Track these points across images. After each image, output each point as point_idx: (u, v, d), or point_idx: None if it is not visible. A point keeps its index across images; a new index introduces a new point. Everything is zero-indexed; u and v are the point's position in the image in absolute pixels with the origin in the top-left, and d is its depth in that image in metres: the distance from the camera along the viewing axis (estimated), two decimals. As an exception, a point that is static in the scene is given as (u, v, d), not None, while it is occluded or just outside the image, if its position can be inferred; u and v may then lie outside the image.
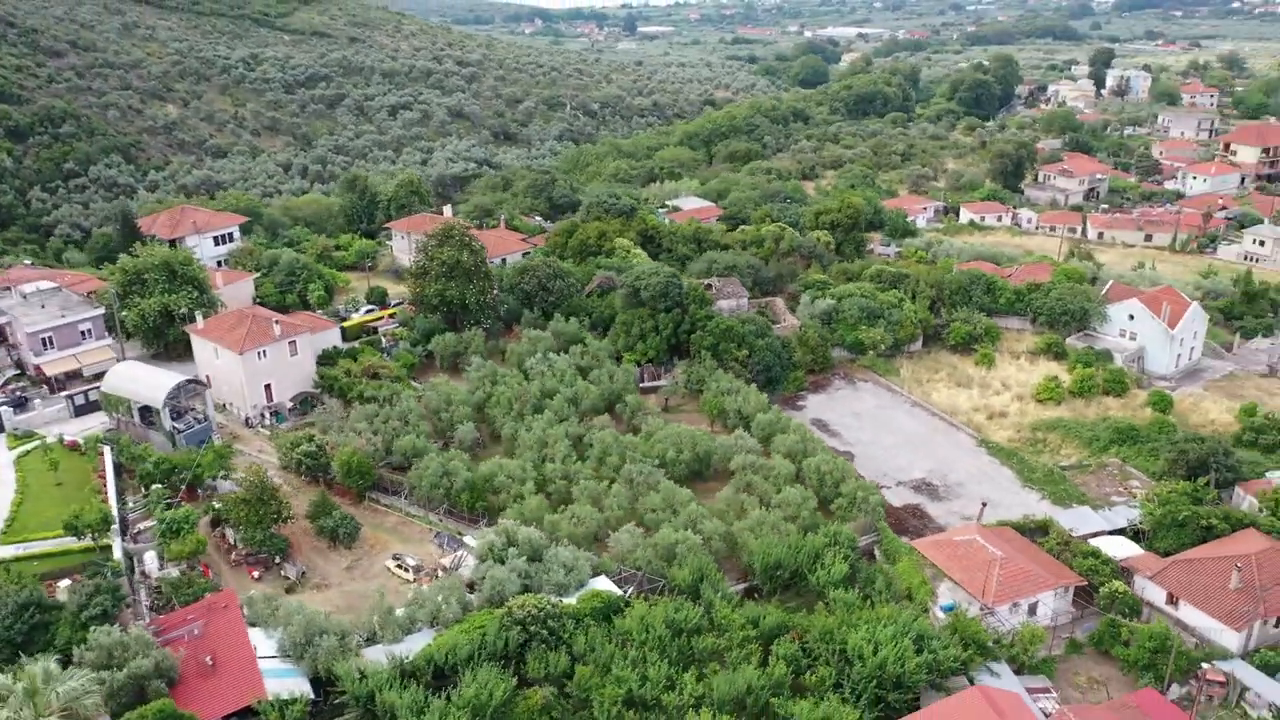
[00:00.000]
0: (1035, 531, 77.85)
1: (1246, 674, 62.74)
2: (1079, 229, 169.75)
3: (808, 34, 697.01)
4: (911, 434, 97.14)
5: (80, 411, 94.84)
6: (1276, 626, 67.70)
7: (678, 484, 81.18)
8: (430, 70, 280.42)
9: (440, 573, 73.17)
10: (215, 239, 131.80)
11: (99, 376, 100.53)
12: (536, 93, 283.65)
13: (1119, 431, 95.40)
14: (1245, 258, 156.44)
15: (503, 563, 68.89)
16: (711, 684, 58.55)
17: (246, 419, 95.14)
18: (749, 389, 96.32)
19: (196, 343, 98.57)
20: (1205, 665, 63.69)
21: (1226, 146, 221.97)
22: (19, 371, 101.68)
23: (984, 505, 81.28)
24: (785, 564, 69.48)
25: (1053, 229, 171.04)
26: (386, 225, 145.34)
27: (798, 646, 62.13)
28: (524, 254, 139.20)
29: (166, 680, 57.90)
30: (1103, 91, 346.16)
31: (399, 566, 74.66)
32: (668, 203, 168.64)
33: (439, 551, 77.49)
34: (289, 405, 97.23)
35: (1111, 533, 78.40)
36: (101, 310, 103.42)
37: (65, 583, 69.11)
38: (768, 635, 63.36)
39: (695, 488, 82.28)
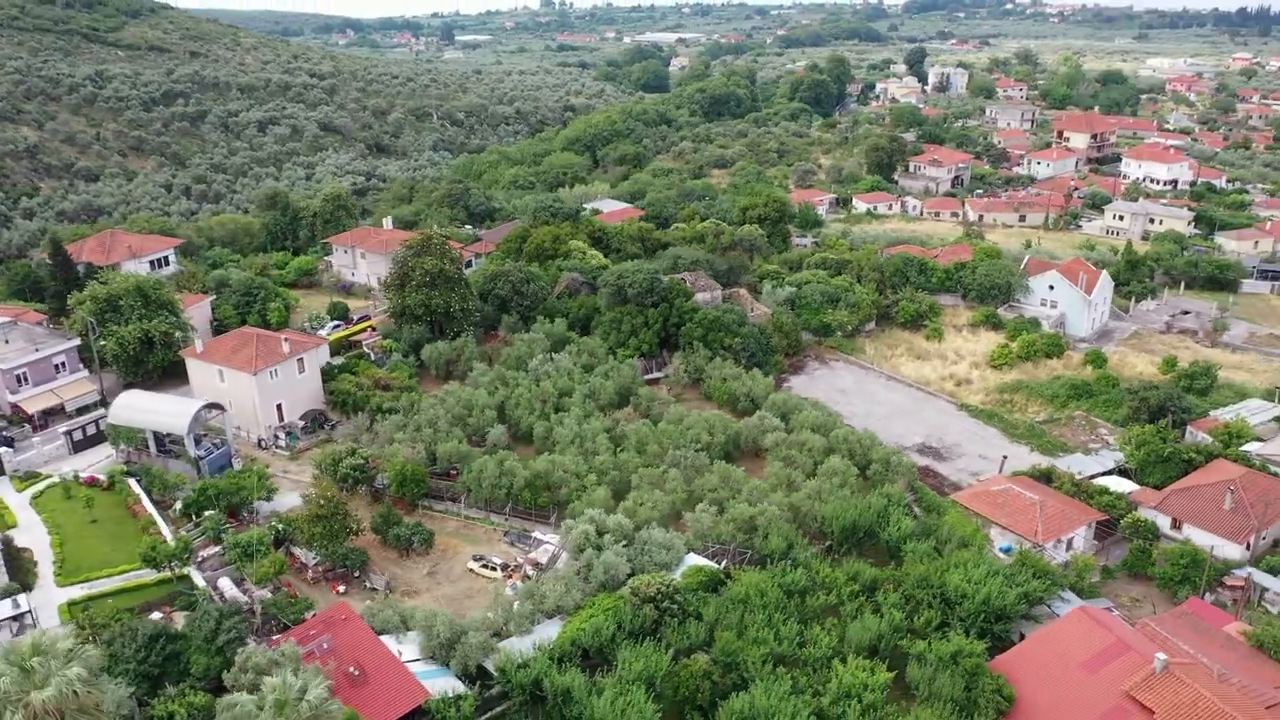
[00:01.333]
0: (1041, 479, 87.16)
1: (1262, 578, 73.39)
2: (960, 214, 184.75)
3: (626, 40, 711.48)
4: (897, 405, 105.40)
5: (79, 447, 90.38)
6: (1264, 539, 79.12)
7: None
8: (287, 84, 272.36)
9: (530, 568, 75.12)
10: (151, 263, 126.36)
11: (83, 411, 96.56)
12: (401, 103, 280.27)
13: (1074, 388, 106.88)
14: (1108, 231, 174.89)
15: (599, 550, 71.79)
16: (844, 633, 63.89)
17: (259, 440, 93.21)
18: (755, 373, 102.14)
19: (195, 367, 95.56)
20: (1227, 575, 73.99)
21: (1060, 134, 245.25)
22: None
23: (1005, 458, 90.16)
24: (860, 524, 75.53)
25: (937, 214, 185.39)
26: (324, 241, 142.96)
27: (900, 594, 68.22)
28: (468, 262, 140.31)
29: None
30: (926, 88, 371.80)
31: (484, 566, 76.09)
32: (586, 206, 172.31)
33: (514, 549, 79.28)
34: (300, 424, 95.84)
35: (1105, 473, 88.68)
36: (76, 341, 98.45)
37: (156, 615, 67.33)
38: (868, 588, 69.21)
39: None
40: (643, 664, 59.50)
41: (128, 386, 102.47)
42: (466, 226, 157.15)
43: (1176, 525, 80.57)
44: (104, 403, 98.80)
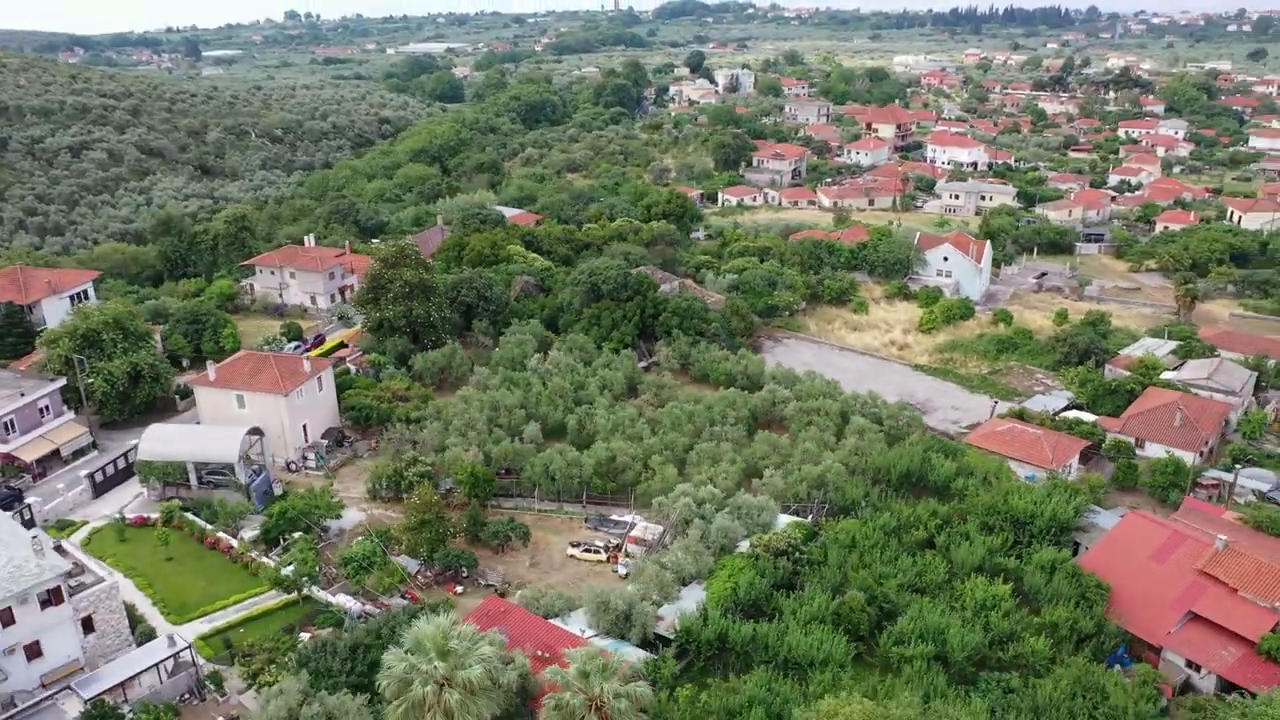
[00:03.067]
0: (1017, 419, 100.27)
1: (1228, 475, 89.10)
2: (815, 201, 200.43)
3: (390, 51, 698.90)
4: (860, 370, 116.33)
5: (100, 491, 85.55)
6: (1208, 445, 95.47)
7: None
8: (84, 106, 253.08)
9: (632, 545, 79.33)
10: (72, 298, 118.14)
11: (79, 454, 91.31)
12: (216, 122, 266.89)
13: (999, 342, 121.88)
14: (946, 209, 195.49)
15: (705, 519, 77.43)
16: (953, 558, 73.00)
17: (289, 464, 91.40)
18: (744, 353, 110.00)
19: (207, 395, 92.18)
20: (1200, 477, 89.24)
21: (869, 125, 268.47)
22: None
23: (995, 403, 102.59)
24: (912, 470, 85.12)
25: (795, 203, 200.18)
26: (243, 264, 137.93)
27: (976, 522, 78.17)
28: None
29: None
30: (718, 89, 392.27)
31: (586, 551, 79.63)
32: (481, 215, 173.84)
33: (598, 533, 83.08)
34: (325, 443, 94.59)
35: (1066, 409, 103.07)
36: (61, 382, 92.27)
37: (304, 635, 66.88)
38: (944, 521, 78.77)
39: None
40: (816, 603, 66.12)
41: (106, 426, 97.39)
42: (375, 241, 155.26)
43: (1139, 444, 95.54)
44: (94, 445, 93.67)
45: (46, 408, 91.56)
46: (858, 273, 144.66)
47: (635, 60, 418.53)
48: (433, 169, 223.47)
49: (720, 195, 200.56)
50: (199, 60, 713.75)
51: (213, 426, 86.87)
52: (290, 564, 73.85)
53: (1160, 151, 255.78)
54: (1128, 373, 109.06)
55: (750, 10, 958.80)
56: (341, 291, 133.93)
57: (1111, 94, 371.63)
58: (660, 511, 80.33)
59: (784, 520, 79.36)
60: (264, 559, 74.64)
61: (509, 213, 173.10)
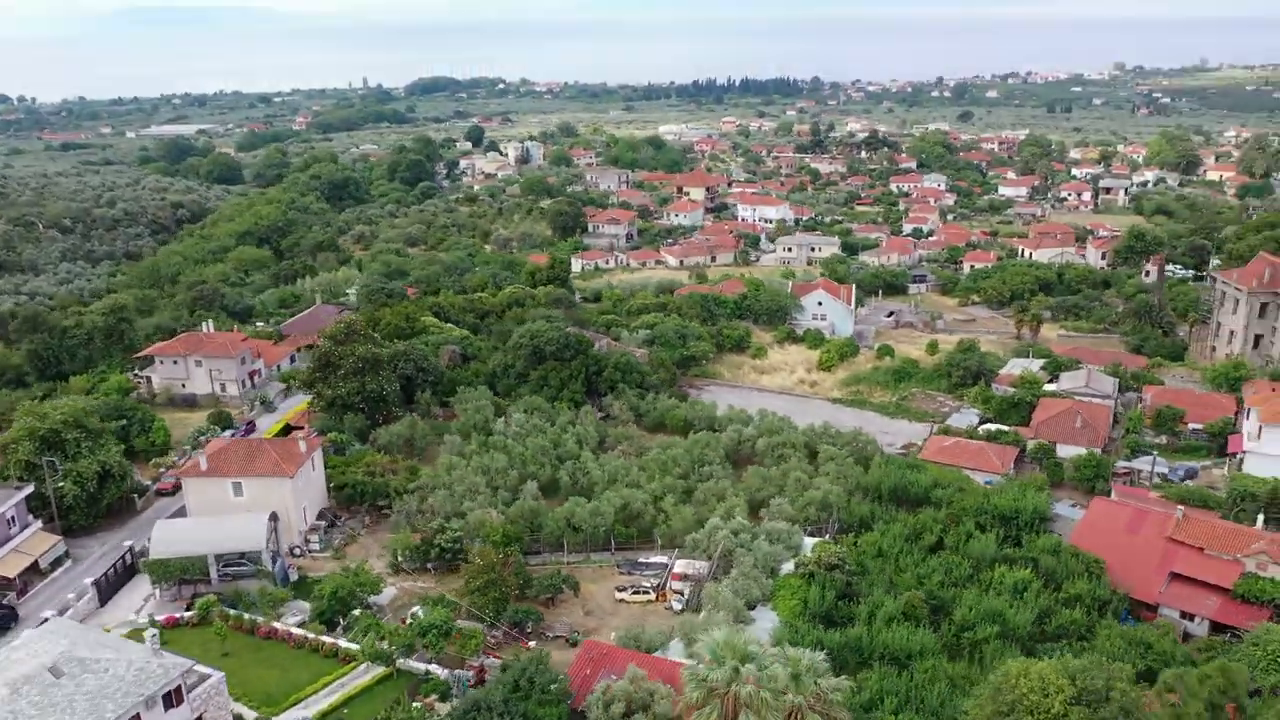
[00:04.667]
0: (944, 434, 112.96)
1: (1135, 463, 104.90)
2: (660, 261, 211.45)
3: (130, 134, 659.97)
4: (786, 408, 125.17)
5: (105, 599, 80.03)
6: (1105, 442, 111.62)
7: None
8: None
9: (676, 582, 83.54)
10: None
11: (57, 564, 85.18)
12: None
13: (895, 373, 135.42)
14: (782, 261, 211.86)
15: (746, 549, 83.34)
16: (969, 553, 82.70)
17: (293, 548, 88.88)
18: (694, 399, 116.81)
19: (197, 487, 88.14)
20: (1113, 467, 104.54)
21: (680, 189, 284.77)
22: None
23: (933, 427, 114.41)
24: (899, 485, 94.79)
25: (643, 264, 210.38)
26: (137, 355, 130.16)
27: (972, 522, 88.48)
28: (291, 357, 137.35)
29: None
30: (511, 161, 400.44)
31: (635, 593, 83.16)
32: (350, 293, 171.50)
33: (631, 577, 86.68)
34: (322, 524, 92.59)
35: (982, 423, 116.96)
36: (29, 489, 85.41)
37: (415, 704, 66.82)
38: (944, 525, 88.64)
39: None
40: (891, 604, 73.55)
41: (67, 533, 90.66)
42: (259, 323, 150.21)
43: (1052, 445, 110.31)
44: (67, 554, 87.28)
45: (13, 518, 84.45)
46: (741, 321, 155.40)
47: (425, 135, 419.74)
48: (264, 251, 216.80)
49: (572, 260, 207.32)
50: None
51: (219, 520, 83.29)
52: (355, 640, 73.25)
53: (932, 201, 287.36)
54: (1012, 389, 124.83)
55: (502, 85, 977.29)
56: (251, 376, 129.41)
57: (864, 153, 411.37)
58: (698, 548, 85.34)
59: (809, 541, 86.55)
60: (339, 640, 73.13)
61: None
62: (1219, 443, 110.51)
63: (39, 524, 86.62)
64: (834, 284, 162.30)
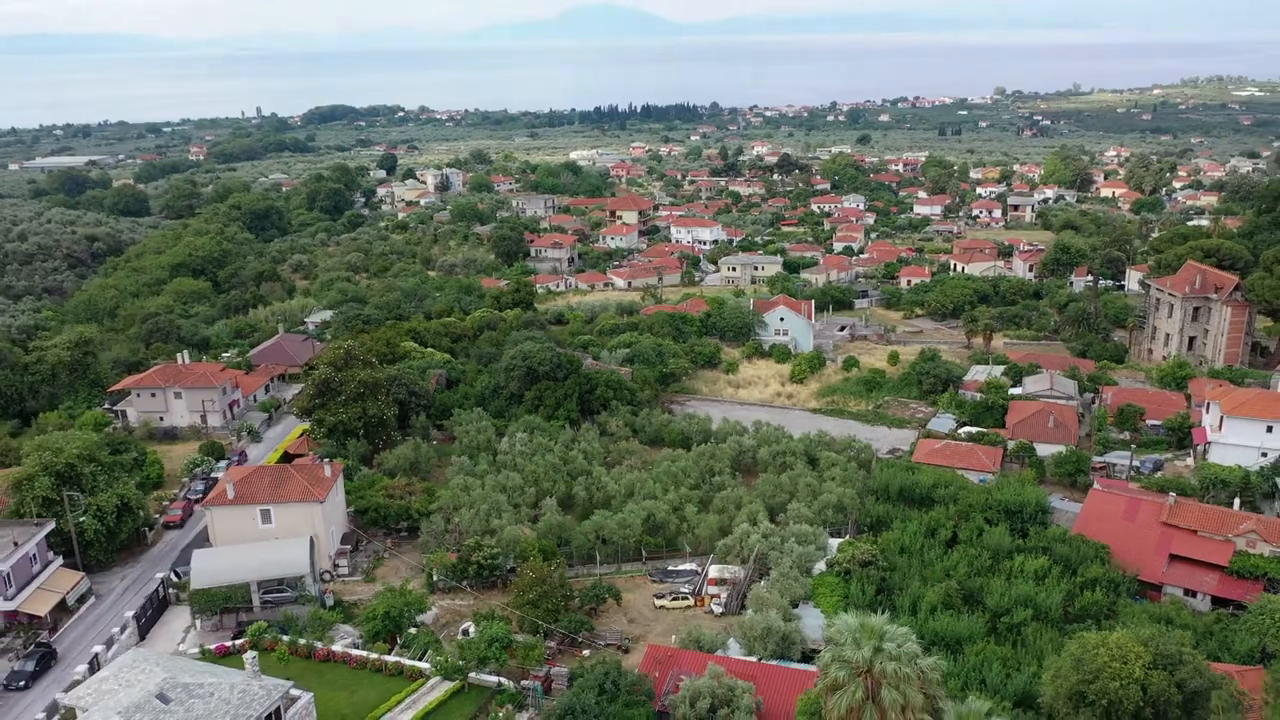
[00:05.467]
0: (928, 438, 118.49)
1: (1109, 458, 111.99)
2: (609, 284, 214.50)
3: (13, 166, 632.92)
4: (770, 420, 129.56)
5: (144, 632, 78.54)
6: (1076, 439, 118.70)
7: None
8: None
9: (714, 587, 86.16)
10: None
11: (82, 600, 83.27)
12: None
13: (865, 383, 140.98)
14: (727, 281, 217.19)
15: (779, 552, 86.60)
16: (986, 545, 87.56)
17: (323, 573, 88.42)
18: (690, 414, 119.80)
19: (224, 516, 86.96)
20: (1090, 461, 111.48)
21: (613, 213, 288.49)
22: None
23: (920, 431, 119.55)
24: (906, 484, 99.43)
25: (592, 286, 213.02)
26: (111, 390, 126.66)
27: (980, 516, 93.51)
28: (266, 387, 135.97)
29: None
30: (431, 188, 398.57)
31: (674, 599, 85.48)
32: (309, 321, 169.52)
33: (665, 583, 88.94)
34: (347, 548, 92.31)
35: (960, 425, 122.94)
36: (50, 526, 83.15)
37: (500, 714, 67.95)
38: (955, 520, 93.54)
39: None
40: (931, 595, 77.63)
41: (85, 569, 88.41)
42: (225, 355, 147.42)
43: (1031, 444, 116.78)
44: (90, 590, 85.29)
45: (35, 556, 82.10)
46: (709, 338, 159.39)
47: (342, 164, 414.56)
48: (201, 282, 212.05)
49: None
50: None
51: (271, 542, 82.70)
52: (413, 657, 73.93)
53: (855, 221, 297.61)
54: (980, 394, 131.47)
55: (401, 113, 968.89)
56: (231, 407, 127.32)
57: (776, 176, 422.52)
58: (730, 552, 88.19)
59: (833, 542, 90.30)
60: (404, 658, 73.49)
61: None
62: (1177, 436, 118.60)
63: (59, 561, 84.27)
64: (794, 300, 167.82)
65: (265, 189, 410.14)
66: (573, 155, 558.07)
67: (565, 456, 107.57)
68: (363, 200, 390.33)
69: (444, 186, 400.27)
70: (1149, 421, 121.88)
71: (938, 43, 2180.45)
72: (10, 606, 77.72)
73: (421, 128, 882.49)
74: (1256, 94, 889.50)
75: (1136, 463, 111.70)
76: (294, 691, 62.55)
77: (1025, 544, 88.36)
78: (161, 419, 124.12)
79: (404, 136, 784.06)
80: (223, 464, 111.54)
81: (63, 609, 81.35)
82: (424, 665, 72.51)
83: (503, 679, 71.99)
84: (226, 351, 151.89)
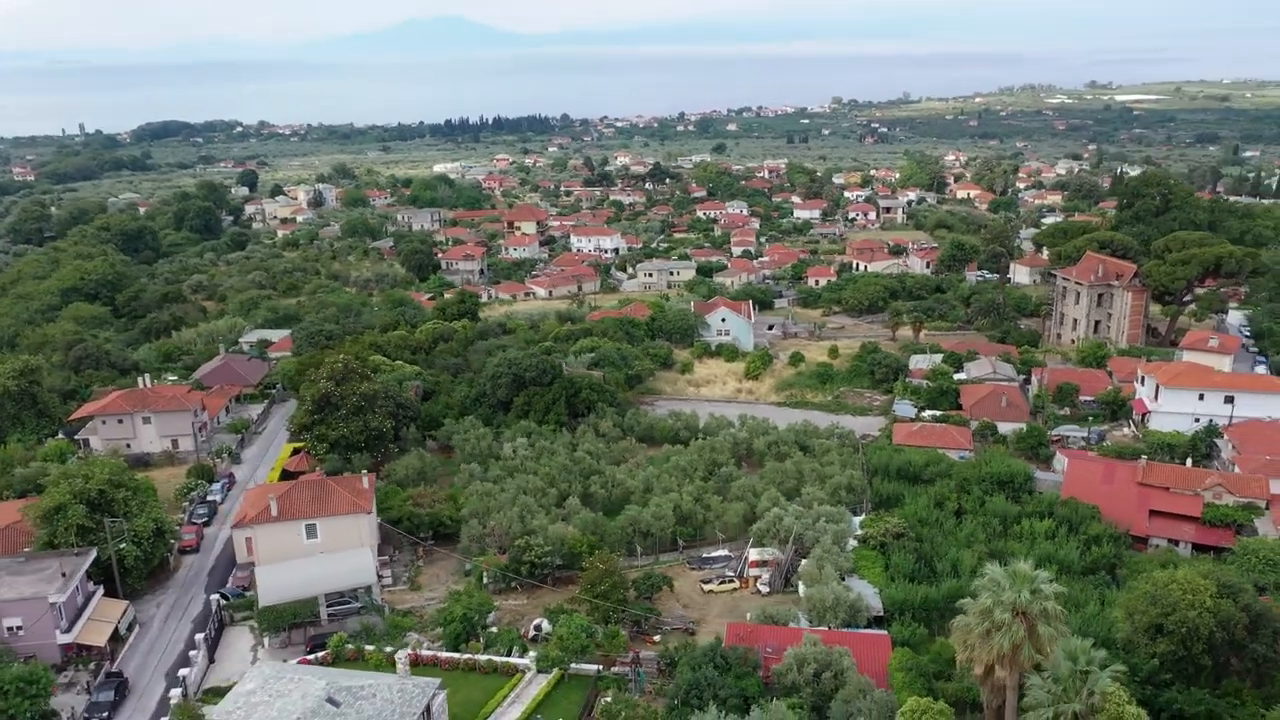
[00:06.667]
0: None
1: (1061, 431, 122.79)
2: (530, 293, 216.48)
3: None
4: (739, 415, 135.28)
5: (212, 655, 77.08)
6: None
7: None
8: None
9: (758, 569, 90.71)
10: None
11: (131, 629, 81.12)
12: None
13: (818, 376, 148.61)
14: (644, 286, 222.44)
15: (813, 531, 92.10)
16: (989, 511, 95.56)
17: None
18: (680, 411, 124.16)
19: (269, 533, 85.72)
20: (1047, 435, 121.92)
21: (510, 224, 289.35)
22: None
23: (893, 417, 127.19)
24: (904, 464, 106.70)
25: (514, 297, 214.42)
26: (70, 419, 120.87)
27: (978, 487, 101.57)
28: (238, 399, 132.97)
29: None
30: (304, 205, 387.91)
31: (721, 582, 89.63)
32: (242, 341, 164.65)
33: (703, 570, 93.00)
34: (385, 558, 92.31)
35: (921, 410, 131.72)
36: (92, 555, 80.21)
37: (606, 699, 70.64)
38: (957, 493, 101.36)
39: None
40: (966, 558, 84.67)
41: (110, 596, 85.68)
42: (171, 378, 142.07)
43: (993, 423, 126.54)
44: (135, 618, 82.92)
45: (79, 585, 79.15)
46: (657, 341, 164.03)
47: (209, 182, 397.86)
48: (98, 307, 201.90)
49: (444, 296, 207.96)
50: None
51: (320, 559, 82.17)
52: (503, 654, 75.72)
53: (743, 226, 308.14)
54: (927, 381, 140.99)
55: (240, 128, 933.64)
56: (201, 429, 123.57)
57: (649, 185, 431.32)
58: (767, 534, 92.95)
59: (855, 519, 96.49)
60: (496, 657, 74.99)
61: (275, 336, 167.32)
62: (1110, 409, 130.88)
63: (100, 590, 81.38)
64: (733, 301, 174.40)
65: (120, 209, 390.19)
66: (437, 168, 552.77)
67: (573, 457, 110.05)
68: (231, 219, 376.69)
69: (317, 202, 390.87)
70: (1083, 397, 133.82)
71: (771, 54, 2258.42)
72: (69, 639, 74.88)
73: (264, 143, 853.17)
74: (1066, 101, 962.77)
75: (1084, 434, 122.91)
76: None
77: (1027, 509, 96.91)
78: (129, 445, 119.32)
79: (248, 152, 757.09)
80: (215, 486, 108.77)
81: (114, 638, 78.62)
82: (520, 661, 74.27)
83: (595, 667, 74.54)
84: (165, 375, 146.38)
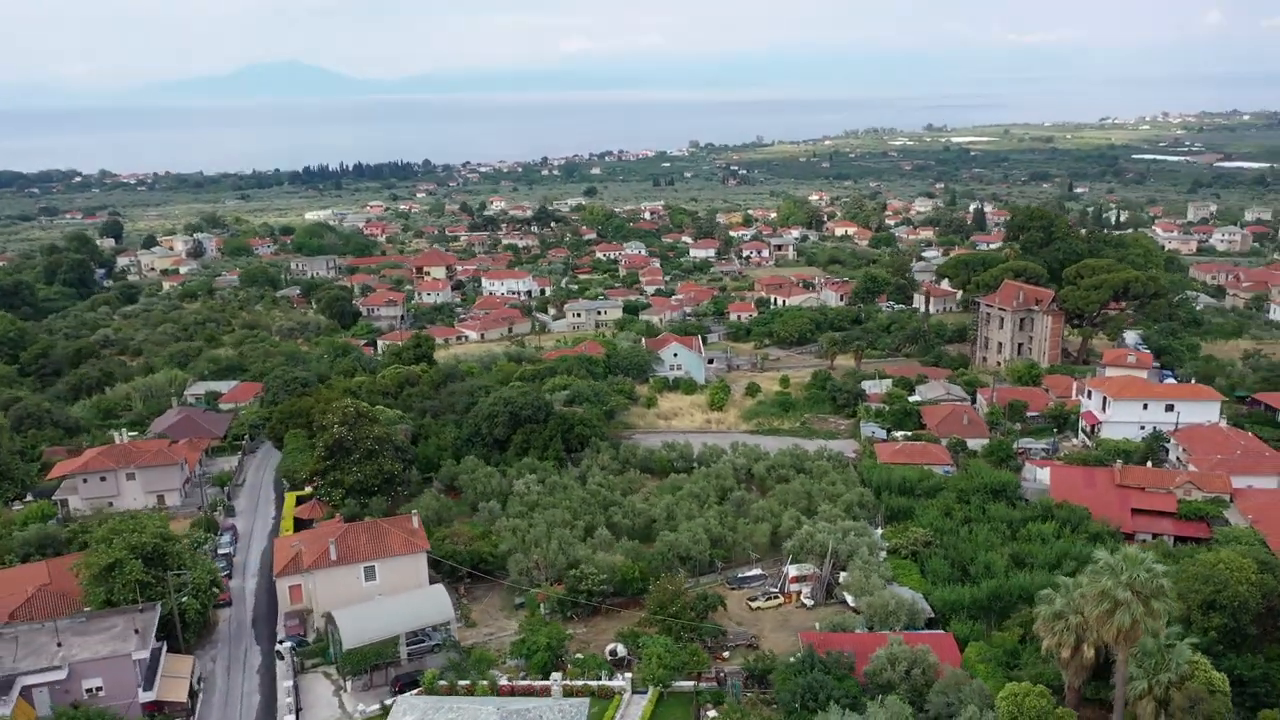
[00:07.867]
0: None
1: (1023, 444, 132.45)
2: (462, 337, 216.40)
3: None
4: (717, 443, 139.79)
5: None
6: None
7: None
8: None
9: (798, 584, 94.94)
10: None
11: (200, 683, 79.24)
12: None
13: (779, 404, 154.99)
14: (573, 327, 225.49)
15: (845, 545, 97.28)
16: (994, 518, 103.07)
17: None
18: (673, 441, 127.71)
19: (328, 578, 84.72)
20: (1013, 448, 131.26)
21: (419, 269, 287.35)
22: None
23: (870, 439, 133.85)
24: (902, 480, 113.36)
25: (445, 340, 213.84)
26: (49, 478, 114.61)
27: (977, 496, 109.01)
28: (206, 452, 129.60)
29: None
30: (183, 255, 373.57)
31: (767, 599, 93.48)
32: (188, 394, 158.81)
33: (742, 591, 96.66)
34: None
35: (888, 431, 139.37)
36: (157, 609, 77.65)
37: (713, 713, 73.41)
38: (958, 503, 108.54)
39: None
40: (996, 560, 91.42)
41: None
42: (131, 433, 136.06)
43: (962, 440, 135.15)
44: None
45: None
46: (617, 376, 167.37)
47: (82, 234, 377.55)
48: (2, 366, 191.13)
49: (379, 343, 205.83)
50: None
51: (397, 599, 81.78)
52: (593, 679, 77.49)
53: (644, 265, 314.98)
54: (885, 404, 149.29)
55: (80, 178, 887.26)
56: (184, 484, 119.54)
57: (535, 229, 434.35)
58: (802, 551, 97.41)
59: (877, 532, 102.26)
60: (591, 681, 76.53)
61: (223, 387, 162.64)
62: (1057, 422, 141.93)
63: (164, 645, 78.69)
64: (683, 337, 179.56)
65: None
66: (308, 215, 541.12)
67: (587, 490, 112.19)
68: (104, 271, 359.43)
69: (198, 253, 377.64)
70: (1030, 413, 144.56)
71: (618, 100, 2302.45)
72: (150, 696, 72.25)
73: (109, 193, 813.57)
74: (908, 143, 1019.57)
75: (1044, 445, 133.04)
76: (566, 713, 65.00)
77: (1027, 514, 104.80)
78: (111, 504, 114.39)
79: (94, 203, 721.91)
80: (225, 538, 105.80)
81: (194, 694, 76.26)
82: (614, 683, 76.16)
83: (689, 684, 77.17)
84: (122, 431, 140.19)
